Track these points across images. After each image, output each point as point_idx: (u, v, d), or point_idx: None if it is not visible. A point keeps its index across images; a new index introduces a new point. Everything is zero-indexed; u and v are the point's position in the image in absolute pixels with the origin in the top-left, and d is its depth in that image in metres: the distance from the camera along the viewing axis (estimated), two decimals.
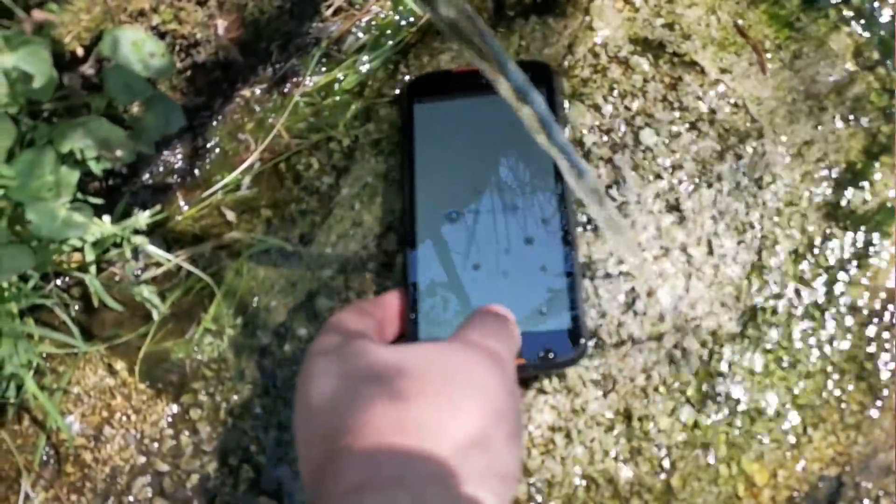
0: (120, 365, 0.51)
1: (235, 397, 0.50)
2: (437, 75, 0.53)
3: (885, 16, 0.51)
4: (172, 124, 0.44)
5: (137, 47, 0.43)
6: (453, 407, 0.33)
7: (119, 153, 0.42)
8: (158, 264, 0.51)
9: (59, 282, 0.51)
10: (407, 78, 0.54)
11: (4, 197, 0.44)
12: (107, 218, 0.47)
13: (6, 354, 0.44)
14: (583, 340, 0.44)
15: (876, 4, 0.51)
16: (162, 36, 0.47)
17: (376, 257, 0.51)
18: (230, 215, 0.52)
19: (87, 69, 0.45)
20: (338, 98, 0.54)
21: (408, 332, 0.44)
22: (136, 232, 0.47)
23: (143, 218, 0.46)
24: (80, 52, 0.43)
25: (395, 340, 0.44)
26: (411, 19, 0.55)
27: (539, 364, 0.44)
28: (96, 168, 0.44)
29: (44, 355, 0.50)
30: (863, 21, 0.51)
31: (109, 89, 0.42)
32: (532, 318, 0.45)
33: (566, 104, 0.51)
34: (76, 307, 0.52)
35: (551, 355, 0.43)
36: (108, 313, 0.52)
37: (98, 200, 0.47)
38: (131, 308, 0.51)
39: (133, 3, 0.44)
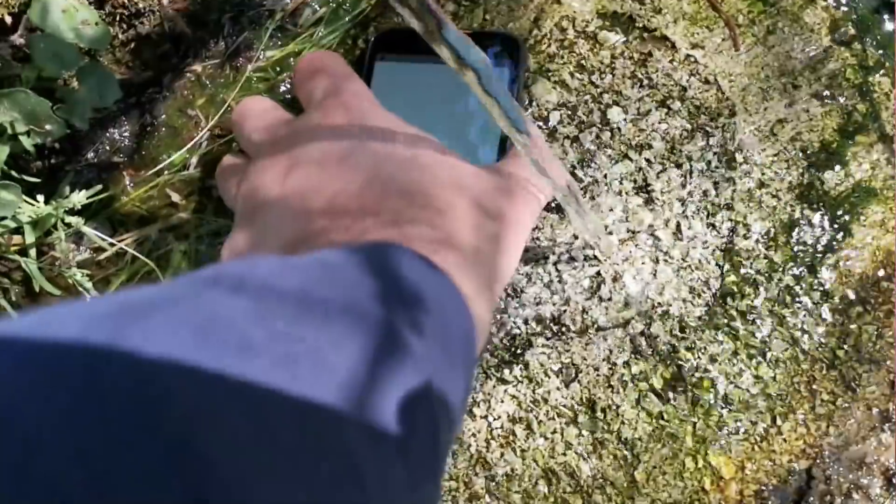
0: None
1: None
2: (406, 32, 0.50)
3: None
4: (107, 97, 0.42)
5: (69, 15, 0.40)
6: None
7: (49, 127, 0.40)
8: (102, 248, 0.48)
9: None
10: (373, 30, 0.51)
11: None
12: (41, 197, 0.44)
13: None
14: None
15: None
16: (101, 4, 0.44)
17: None
18: (175, 197, 0.49)
19: (18, 39, 0.42)
20: (293, 72, 0.52)
21: None
22: (73, 212, 0.45)
23: (77, 197, 0.44)
24: (8, 20, 0.40)
25: None
26: None
27: None
28: (27, 143, 0.41)
29: None
30: None
31: (38, 59, 0.39)
32: None
33: (531, 81, 0.49)
34: (16, 291, 0.49)
35: None
36: (50, 299, 0.49)
37: (35, 179, 0.45)
38: (73, 294, 0.49)
39: None
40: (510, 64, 0.48)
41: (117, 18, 0.45)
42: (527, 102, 0.49)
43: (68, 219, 0.44)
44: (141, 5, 0.45)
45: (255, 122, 0.41)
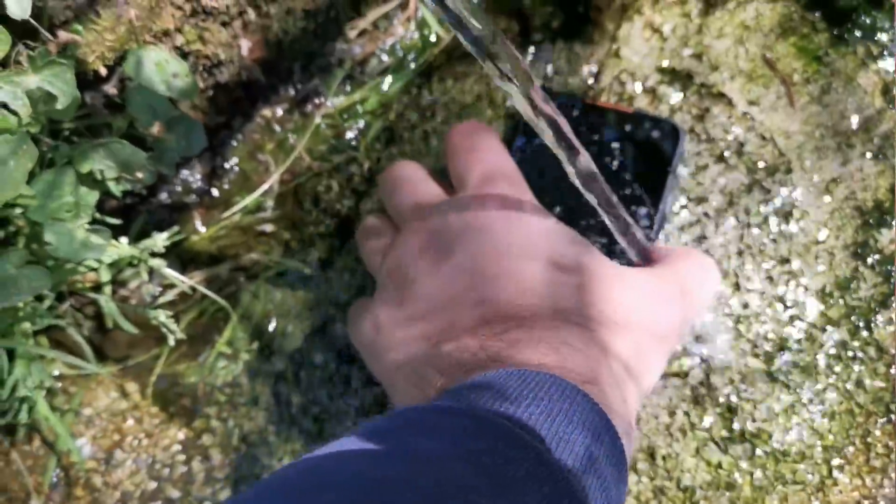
0: (132, 387, 0.50)
1: (249, 424, 0.49)
2: (568, 99, 0.50)
3: None
4: (194, 146, 0.43)
5: (161, 68, 0.42)
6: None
7: (140, 175, 0.41)
8: (173, 285, 0.50)
9: (72, 301, 0.51)
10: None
11: (23, 217, 0.43)
12: (124, 239, 0.46)
13: (20, 376, 0.43)
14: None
15: None
16: (185, 56, 0.46)
17: None
18: (268, 227, 0.51)
19: (110, 88, 0.44)
20: (360, 120, 0.54)
21: None
22: (153, 254, 0.46)
23: (160, 240, 0.46)
24: (103, 71, 0.42)
25: None
26: (434, 40, 0.55)
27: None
28: (116, 189, 0.43)
29: (56, 374, 0.49)
30: (891, 59, 0.51)
31: (132, 110, 0.41)
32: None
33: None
34: (89, 327, 0.51)
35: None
36: (121, 334, 0.51)
37: (116, 220, 0.47)
38: (144, 329, 0.50)
39: (158, 23, 0.43)
40: (666, 152, 0.48)
41: (199, 68, 0.47)
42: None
43: (151, 261, 0.45)
44: (222, 56, 0.47)
45: (406, 191, 0.41)
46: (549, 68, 0.53)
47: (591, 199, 0.36)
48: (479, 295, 0.35)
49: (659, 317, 0.37)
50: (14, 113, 0.38)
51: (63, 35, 0.38)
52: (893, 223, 0.47)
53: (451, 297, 0.35)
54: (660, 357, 0.38)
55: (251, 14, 0.47)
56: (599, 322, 0.35)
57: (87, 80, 0.43)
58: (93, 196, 0.42)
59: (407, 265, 0.37)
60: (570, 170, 0.34)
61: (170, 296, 0.50)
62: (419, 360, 0.35)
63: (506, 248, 0.36)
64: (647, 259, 0.42)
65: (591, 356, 0.33)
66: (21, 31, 0.38)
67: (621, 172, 0.48)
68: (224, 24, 0.47)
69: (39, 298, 0.46)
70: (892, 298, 0.46)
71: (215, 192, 0.53)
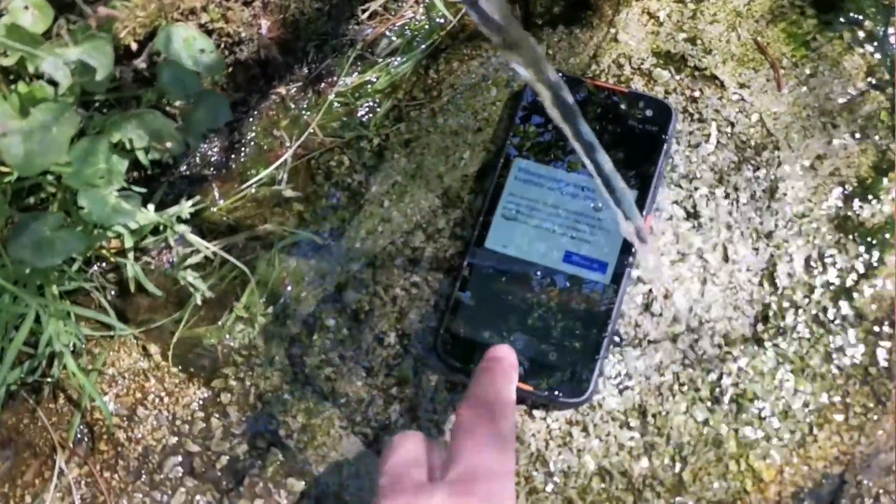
0: (154, 349, 0.53)
1: (264, 383, 0.51)
2: (569, 80, 0.53)
3: None
4: (220, 119, 0.46)
5: (189, 44, 0.45)
6: None
7: (169, 145, 0.44)
8: (195, 252, 0.53)
9: (97, 266, 0.53)
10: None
11: (56, 183, 0.46)
12: (150, 206, 0.49)
13: (53, 333, 0.46)
14: (589, 392, 0.47)
15: (889, 29, 0.54)
16: (209, 34, 0.49)
17: (403, 253, 0.53)
18: (289, 192, 0.54)
19: (140, 63, 0.47)
20: (370, 99, 0.56)
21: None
22: (179, 220, 0.49)
23: (186, 207, 0.48)
24: (133, 46, 0.45)
25: None
26: (442, 21, 0.57)
27: (543, 397, 0.48)
28: (144, 159, 0.46)
29: (80, 336, 0.52)
30: (875, 44, 0.54)
31: (163, 84, 0.44)
32: (555, 353, 0.48)
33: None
34: (112, 292, 0.54)
35: (558, 393, 0.48)
36: (142, 298, 0.53)
37: (141, 189, 0.49)
38: (165, 293, 0.53)
39: (185, 1, 0.46)
40: (659, 130, 0.51)
41: (221, 46, 0.50)
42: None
43: (177, 227, 0.48)
44: (243, 34, 0.50)
45: (392, 467, 0.38)
46: (551, 51, 0.56)
47: (590, 166, 0.39)
48: None
49: None
50: (53, 83, 0.40)
51: (103, 10, 0.41)
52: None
53: None
54: None
55: None
56: None
57: (118, 55, 0.46)
58: (123, 164, 0.45)
59: None
60: (569, 134, 0.37)
61: (193, 260, 0.52)
62: None
63: None
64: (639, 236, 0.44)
65: None
66: (60, 5, 0.41)
67: (617, 148, 0.51)
68: (246, 4, 0.49)
69: (69, 261, 0.49)
70: (871, 270, 0.49)
71: (232, 165, 0.56)
